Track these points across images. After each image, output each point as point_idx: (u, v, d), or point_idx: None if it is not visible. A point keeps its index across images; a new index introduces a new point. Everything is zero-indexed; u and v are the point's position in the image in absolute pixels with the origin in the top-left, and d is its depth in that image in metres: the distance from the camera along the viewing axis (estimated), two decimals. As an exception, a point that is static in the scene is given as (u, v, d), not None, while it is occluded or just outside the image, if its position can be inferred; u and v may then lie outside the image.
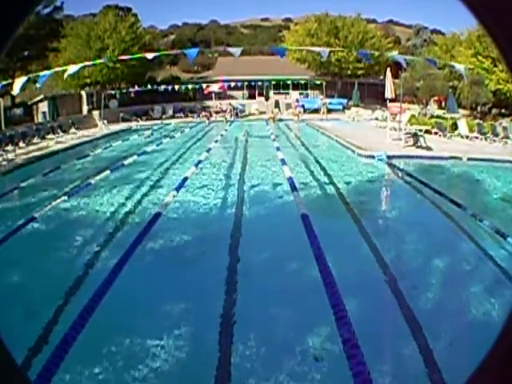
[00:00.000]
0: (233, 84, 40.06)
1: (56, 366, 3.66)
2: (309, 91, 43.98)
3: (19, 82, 20.92)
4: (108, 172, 15.14)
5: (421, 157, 18.98)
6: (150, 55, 24.22)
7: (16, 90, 21.36)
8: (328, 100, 39.13)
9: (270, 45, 52.30)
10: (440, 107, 34.23)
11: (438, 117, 28.94)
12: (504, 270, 7.91)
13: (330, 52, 38.78)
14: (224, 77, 42.47)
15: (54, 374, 3.63)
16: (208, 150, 19.05)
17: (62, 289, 7.03)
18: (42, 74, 21.76)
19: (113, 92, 37.55)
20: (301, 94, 43.51)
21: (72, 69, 22.72)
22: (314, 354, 5.47)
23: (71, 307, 6.23)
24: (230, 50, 24.36)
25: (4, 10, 0.72)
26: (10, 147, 20.86)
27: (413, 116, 28.01)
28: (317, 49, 31.83)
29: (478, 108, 31.97)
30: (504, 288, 7.48)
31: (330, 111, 37.65)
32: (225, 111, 37.70)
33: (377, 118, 33.71)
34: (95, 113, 34.70)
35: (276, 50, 30.47)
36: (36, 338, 5.61)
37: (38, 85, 22.77)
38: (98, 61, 29.18)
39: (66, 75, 24.40)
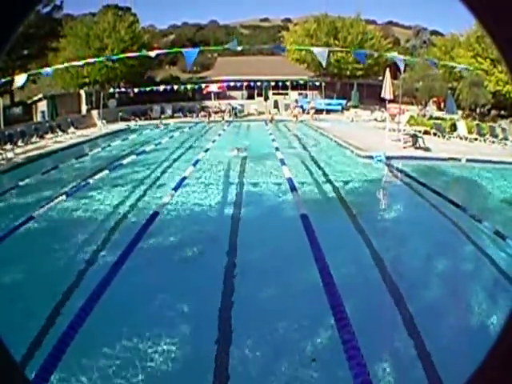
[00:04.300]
0: (232, 84, 40.03)
1: (54, 366, 3.65)
2: (308, 92, 43.92)
3: (20, 77, 20.75)
4: (107, 171, 15.13)
5: (419, 158, 18.99)
6: (151, 53, 24.10)
7: (19, 83, 21.07)
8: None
9: (269, 45, 52.25)
10: (439, 108, 34.29)
11: (436, 118, 29.00)
12: (502, 271, 7.93)
13: (330, 52, 38.92)
14: (223, 77, 42.47)
15: (51, 373, 3.63)
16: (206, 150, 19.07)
17: (59, 287, 7.02)
18: (43, 70, 21.74)
19: (112, 91, 37.51)
20: (300, 94, 43.47)
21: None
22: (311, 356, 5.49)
23: (69, 305, 6.23)
24: (229, 45, 24.15)
25: (4, 10, 0.72)
26: (8, 146, 20.80)
27: (412, 117, 28.04)
28: (315, 49, 31.69)
29: (477, 109, 32.01)
30: (501, 286, 7.50)
31: (325, 112, 38.13)
32: (223, 111, 37.70)
33: (376, 119, 33.75)
34: (94, 112, 34.63)
35: (277, 48, 30.61)
36: (35, 336, 5.61)
37: (45, 72, 22.40)
38: (99, 59, 29.03)
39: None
